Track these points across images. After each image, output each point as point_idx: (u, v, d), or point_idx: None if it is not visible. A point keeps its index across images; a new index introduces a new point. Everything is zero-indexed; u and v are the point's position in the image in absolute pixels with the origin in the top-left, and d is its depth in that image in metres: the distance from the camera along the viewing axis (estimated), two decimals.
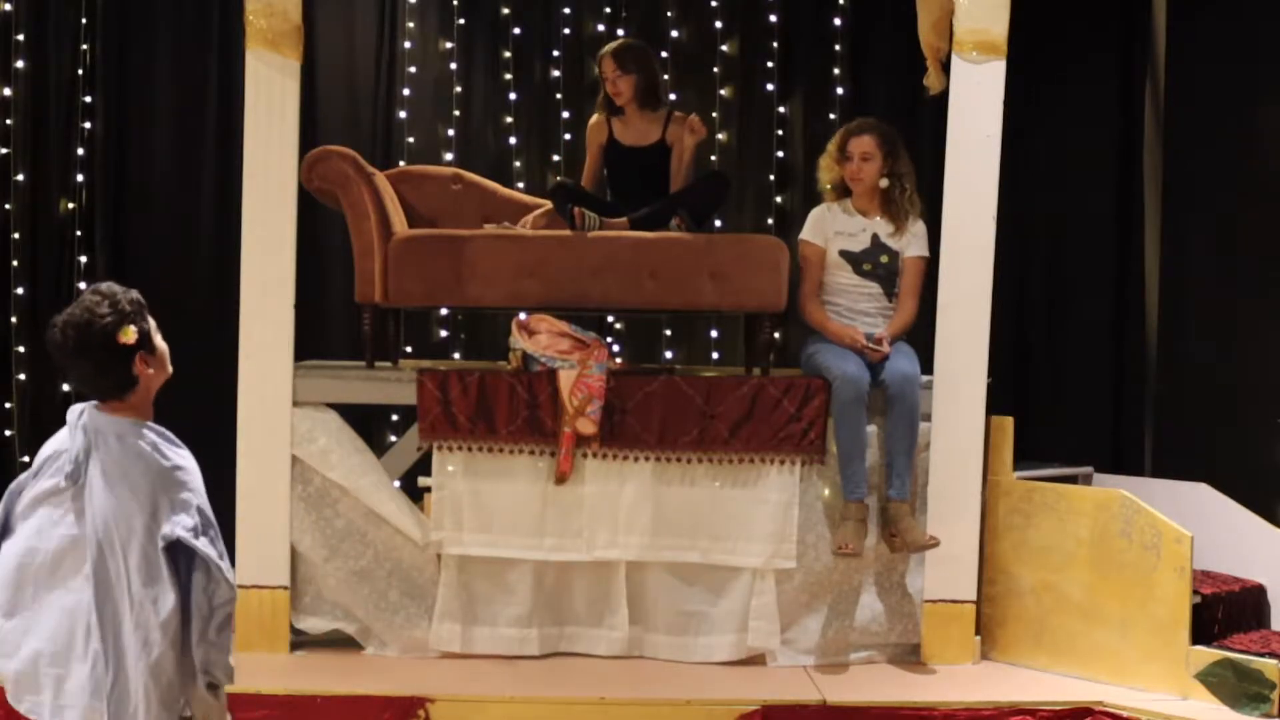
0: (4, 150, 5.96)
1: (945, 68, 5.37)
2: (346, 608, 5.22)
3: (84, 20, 6.15)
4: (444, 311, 6.53)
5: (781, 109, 6.83)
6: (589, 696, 4.72)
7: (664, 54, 6.71)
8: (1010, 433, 5.31)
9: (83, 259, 6.12)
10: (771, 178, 6.81)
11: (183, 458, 3.08)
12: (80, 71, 6.15)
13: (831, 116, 6.63)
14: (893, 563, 5.24)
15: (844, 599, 5.24)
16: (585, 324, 5.46)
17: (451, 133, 6.68)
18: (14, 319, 5.96)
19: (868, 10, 6.80)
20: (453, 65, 6.72)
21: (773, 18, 6.79)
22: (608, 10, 6.77)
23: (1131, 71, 6.68)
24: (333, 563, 5.19)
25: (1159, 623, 4.86)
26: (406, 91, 6.64)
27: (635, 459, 5.19)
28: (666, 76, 6.70)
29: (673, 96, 6.67)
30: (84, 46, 6.15)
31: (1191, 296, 6.42)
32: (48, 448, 3.11)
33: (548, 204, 5.75)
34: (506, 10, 6.76)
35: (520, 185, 6.60)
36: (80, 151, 6.15)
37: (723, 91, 6.82)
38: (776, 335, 5.96)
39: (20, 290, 5.98)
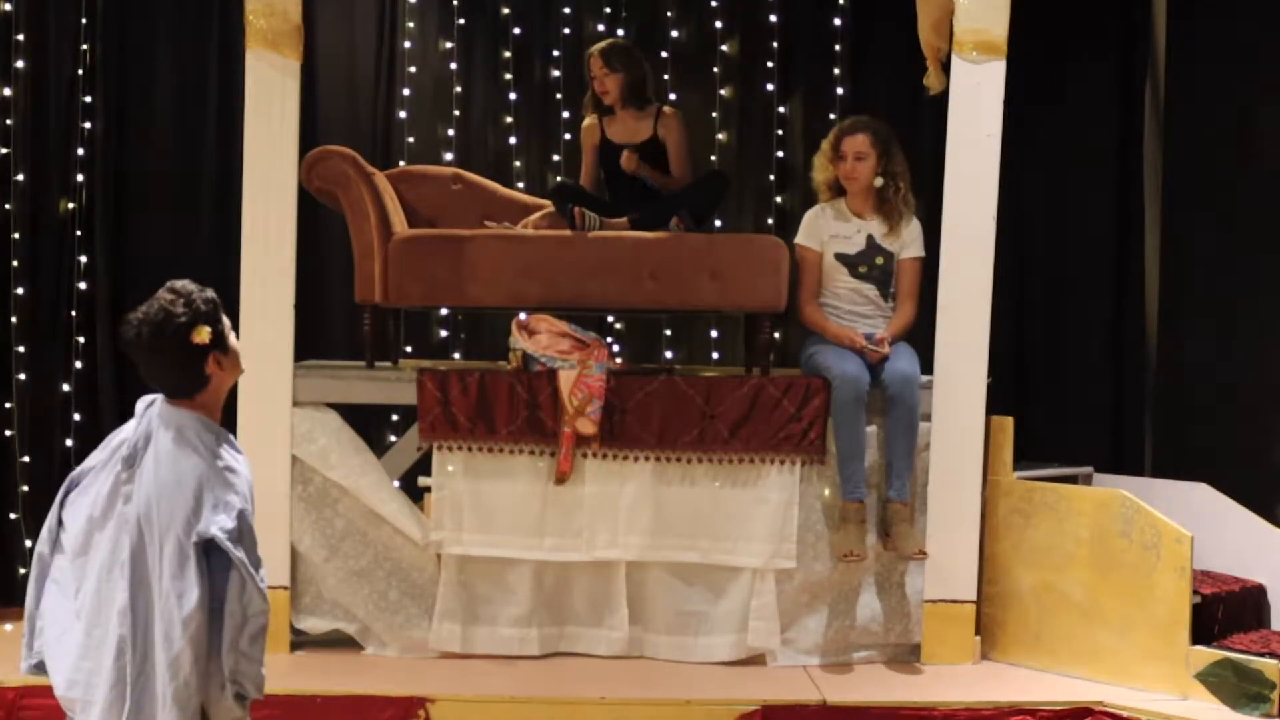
0: (4, 150, 5.94)
1: (945, 68, 5.37)
2: (346, 608, 5.22)
3: (84, 20, 6.12)
4: (444, 311, 6.53)
5: (781, 109, 6.82)
6: (589, 696, 4.73)
7: (664, 54, 6.72)
8: (1010, 433, 5.31)
9: (83, 259, 6.10)
10: (771, 178, 6.80)
11: (238, 462, 3.07)
12: (80, 71, 6.13)
13: (831, 116, 6.61)
14: (893, 563, 5.24)
15: (844, 599, 5.24)
16: (585, 324, 5.47)
17: (451, 133, 6.68)
18: (14, 319, 5.94)
19: (868, 10, 6.78)
20: (453, 65, 6.71)
21: (773, 18, 6.78)
22: (608, 10, 6.76)
23: (1131, 71, 6.67)
24: (333, 563, 5.19)
25: (1159, 623, 4.86)
26: (406, 91, 6.63)
27: (635, 459, 5.19)
28: (666, 76, 6.70)
29: (673, 96, 6.67)
30: (84, 46, 6.13)
31: (1191, 296, 6.41)
32: (115, 436, 3.12)
33: (548, 205, 5.76)
34: (506, 10, 6.75)
35: (520, 185, 6.59)
36: (80, 151, 6.13)
37: (723, 91, 6.82)
38: (776, 335, 5.96)
39: (20, 290, 5.97)
